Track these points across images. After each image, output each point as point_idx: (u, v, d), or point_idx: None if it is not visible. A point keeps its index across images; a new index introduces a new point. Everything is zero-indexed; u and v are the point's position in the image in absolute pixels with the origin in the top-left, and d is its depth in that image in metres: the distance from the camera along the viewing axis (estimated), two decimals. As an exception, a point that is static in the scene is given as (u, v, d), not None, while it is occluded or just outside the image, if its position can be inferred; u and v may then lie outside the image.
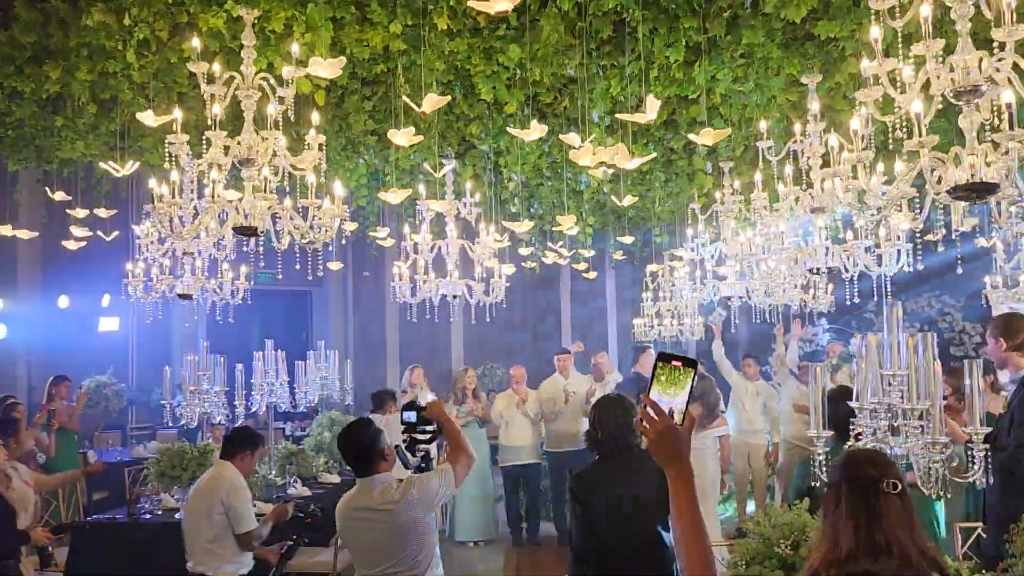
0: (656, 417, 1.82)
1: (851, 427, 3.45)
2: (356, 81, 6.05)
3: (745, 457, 9.39)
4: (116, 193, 8.43)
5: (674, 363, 1.85)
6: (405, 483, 3.72)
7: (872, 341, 3.42)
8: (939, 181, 3.21)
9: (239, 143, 4.36)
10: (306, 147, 4.51)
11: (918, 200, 3.57)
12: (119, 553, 5.95)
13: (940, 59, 3.05)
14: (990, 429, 3.49)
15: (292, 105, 4.39)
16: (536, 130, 4.67)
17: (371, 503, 3.71)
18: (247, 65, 4.42)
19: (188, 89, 5.90)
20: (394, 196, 6.18)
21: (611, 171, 6.39)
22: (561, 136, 5.05)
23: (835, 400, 4.07)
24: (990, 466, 3.29)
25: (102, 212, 7.76)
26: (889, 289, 5.36)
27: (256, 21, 4.59)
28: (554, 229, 8.54)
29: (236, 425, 7.47)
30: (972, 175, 3.08)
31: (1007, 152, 3.13)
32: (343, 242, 6.99)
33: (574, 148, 4.71)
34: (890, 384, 3.35)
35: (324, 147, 4.59)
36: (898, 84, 3.25)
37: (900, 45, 3.17)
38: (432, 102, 4.45)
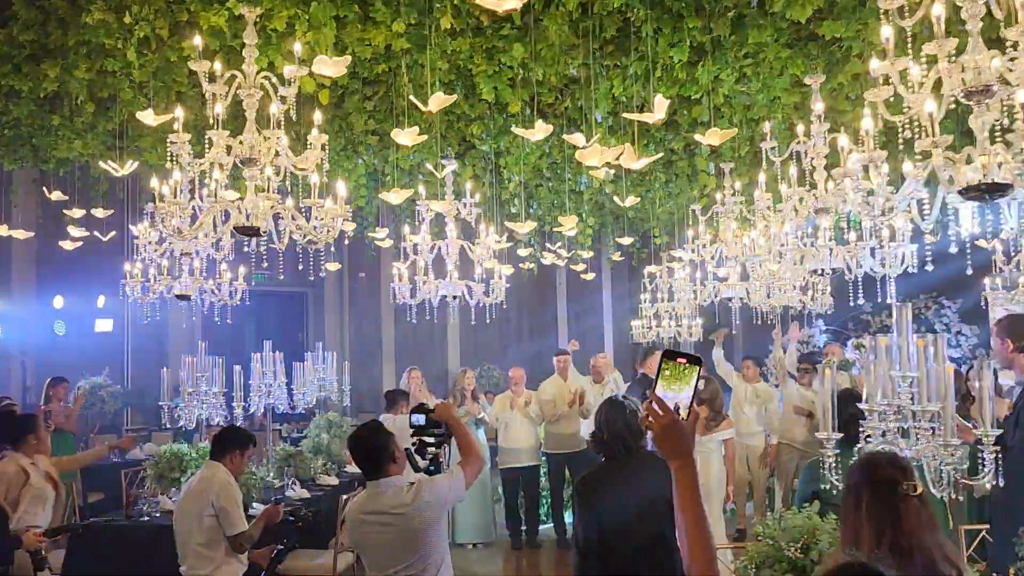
0: (661, 412, 1.86)
1: (860, 429, 3.43)
2: (357, 81, 6.02)
3: (744, 459, 9.37)
4: (113, 193, 8.39)
5: (679, 360, 1.91)
6: (416, 486, 3.70)
7: (882, 343, 3.40)
8: (950, 181, 3.19)
9: (241, 142, 4.33)
10: (309, 146, 4.48)
11: (927, 200, 3.55)
12: (118, 555, 5.89)
13: (951, 59, 3.04)
14: (1001, 431, 3.47)
15: (294, 104, 4.35)
16: (541, 130, 4.65)
17: (383, 507, 3.69)
18: (249, 64, 4.38)
19: (187, 88, 5.86)
20: (395, 196, 6.15)
21: (612, 172, 6.37)
22: (565, 136, 5.03)
23: (840, 402, 4.04)
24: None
25: (99, 212, 7.72)
26: (894, 292, 5.35)
27: (258, 20, 4.55)
28: (555, 230, 8.52)
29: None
30: (984, 175, 3.06)
31: (1022, 151, 3.11)
32: (346, 242, 6.94)
33: (580, 148, 4.69)
34: (899, 386, 3.33)
35: (326, 147, 4.56)
36: (910, 85, 3.23)
37: (910, 45, 3.15)
38: (439, 101, 4.42)
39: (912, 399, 3.27)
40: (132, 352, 12.81)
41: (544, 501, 9.45)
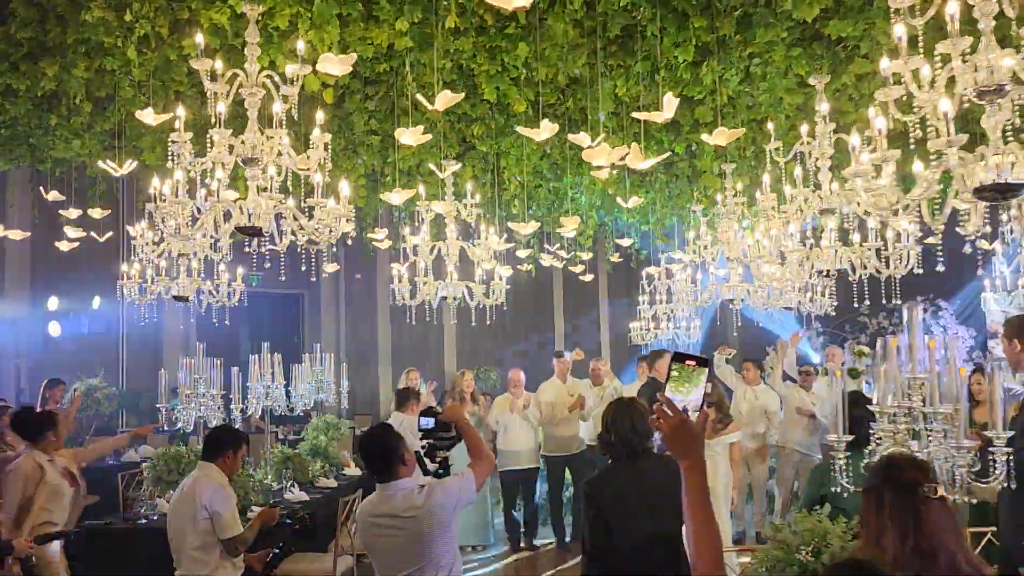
0: (671, 413, 1.89)
1: (870, 432, 3.40)
2: (358, 80, 5.98)
3: (744, 462, 9.34)
4: (109, 194, 8.33)
5: (688, 362, 1.98)
6: (427, 489, 3.67)
7: (892, 344, 3.37)
8: (964, 181, 3.17)
9: (243, 142, 4.28)
10: (311, 146, 4.43)
11: (938, 200, 3.52)
12: (115, 559, 5.85)
13: (964, 58, 3.02)
14: (1012, 433, 3.44)
15: (296, 104, 4.31)
16: (547, 129, 4.61)
17: (394, 510, 3.66)
18: (251, 62, 4.33)
19: (186, 88, 5.82)
20: (397, 196, 6.10)
21: (615, 172, 6.34)
22: (570, 136, 5.00)
23: (849, 405, 4.01)
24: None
25: (96, 212, 7.65)
26: (895, 292, 5.32)
27: (260, 18, 4.50)
28: (556, 231, 8.49)
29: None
30: (998, 175, 3.04)
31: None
32: (348, 243, 6.90)
33: (586, 147, 4.65)
34: (910, 387, 3.30)
35: (329, 146, 4.51)
36: (923, 85, 3.20)
37: (921, 43, 3.13)
38: (446, 99, 4.38)
39: (924, 401, 3.25)
40: (127, 354, 12.74)
41: (543, 504, 9.41)
